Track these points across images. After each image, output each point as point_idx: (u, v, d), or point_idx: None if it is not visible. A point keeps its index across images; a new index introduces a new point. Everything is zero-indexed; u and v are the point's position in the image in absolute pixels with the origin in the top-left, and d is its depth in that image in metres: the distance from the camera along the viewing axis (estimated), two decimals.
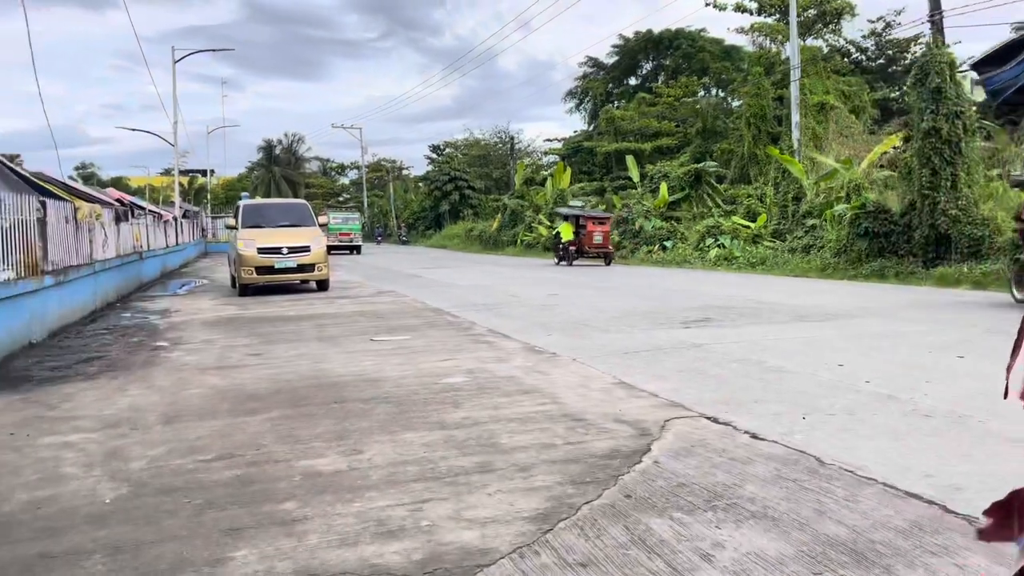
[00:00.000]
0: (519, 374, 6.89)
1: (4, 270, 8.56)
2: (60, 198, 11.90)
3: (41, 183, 12.35)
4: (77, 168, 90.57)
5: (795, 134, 25.18)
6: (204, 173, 65.04)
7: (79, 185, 17.13)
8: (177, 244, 28.89)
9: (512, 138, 60.38)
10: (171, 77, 36.43)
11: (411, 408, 5.67)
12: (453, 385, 6.47)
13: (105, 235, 14.34)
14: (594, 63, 58.80)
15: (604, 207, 35.06)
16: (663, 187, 31.40)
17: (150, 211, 22.81)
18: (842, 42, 36.30)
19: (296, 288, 16.91)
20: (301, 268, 15.84)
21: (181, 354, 8.54)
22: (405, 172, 78.83)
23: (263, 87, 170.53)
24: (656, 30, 54.22)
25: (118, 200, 20.78)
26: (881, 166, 23.32)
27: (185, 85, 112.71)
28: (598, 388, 6.25)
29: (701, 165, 33.05)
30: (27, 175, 12.19)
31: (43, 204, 9.81)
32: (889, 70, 37.04)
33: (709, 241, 24.75)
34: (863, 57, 37.46)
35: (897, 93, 36.33)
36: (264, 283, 15.87)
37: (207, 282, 20.79)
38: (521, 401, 5.82)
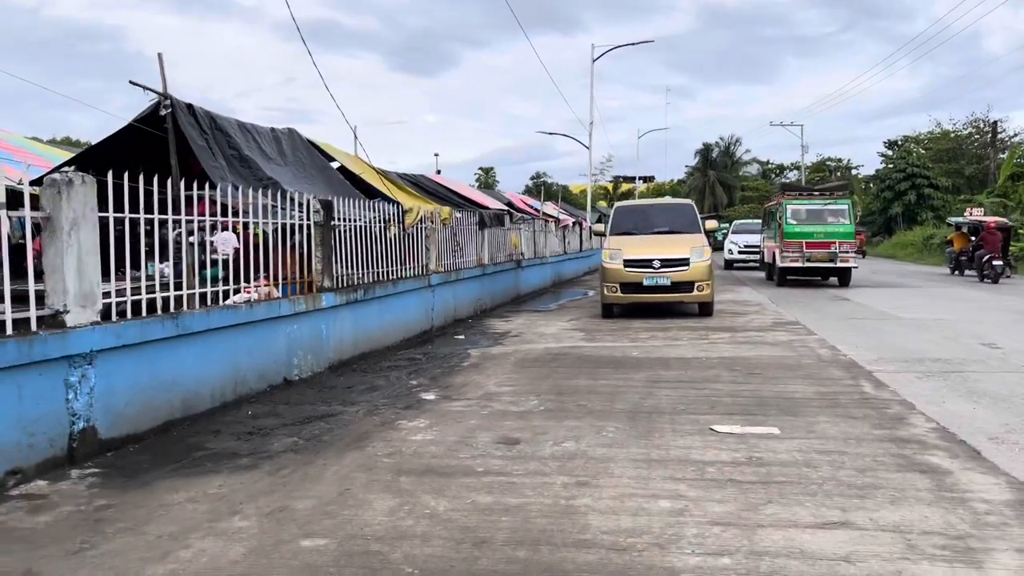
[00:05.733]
0: None
1: (242, 290, 6.75)
2: (387, 198, 10.26)
3: (366, 179, 10.89)
4: (532, 177, 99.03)
5: None
6: (633, 179, 65.18)
7: (454, 186, 16.03)
8: (581, 251, 27.60)
9: (995, 124, 48.74)
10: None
11: None
12: None
13: (457, 242, 12.66)
14: None
15: None
16: None
17: (544, 215, 21.43)
18: None
19: (670, 309, 13.52)
20: (676, 287, 12.38)
21: (423, 423, 5.81)
22: (853, 172, 69.88)
23: (713, 94, 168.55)
24: None
25: (508, 204, 19.67)
26: None
27: (642, 97, 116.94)
28: None
29: None
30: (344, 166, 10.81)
31: (327, 205, 7.96)
32: None
33: None
34: None
35: None
36: (629, 304, 12.82)
37: (593, 294, 18.54)
38: None
